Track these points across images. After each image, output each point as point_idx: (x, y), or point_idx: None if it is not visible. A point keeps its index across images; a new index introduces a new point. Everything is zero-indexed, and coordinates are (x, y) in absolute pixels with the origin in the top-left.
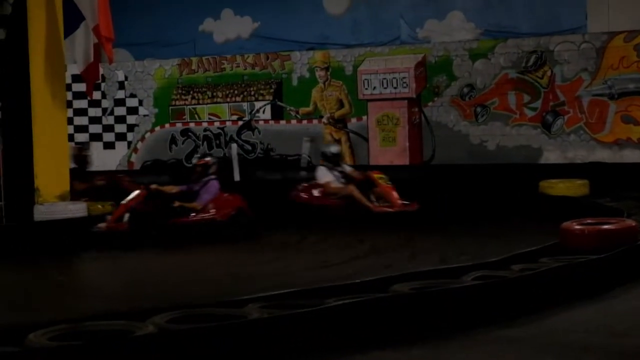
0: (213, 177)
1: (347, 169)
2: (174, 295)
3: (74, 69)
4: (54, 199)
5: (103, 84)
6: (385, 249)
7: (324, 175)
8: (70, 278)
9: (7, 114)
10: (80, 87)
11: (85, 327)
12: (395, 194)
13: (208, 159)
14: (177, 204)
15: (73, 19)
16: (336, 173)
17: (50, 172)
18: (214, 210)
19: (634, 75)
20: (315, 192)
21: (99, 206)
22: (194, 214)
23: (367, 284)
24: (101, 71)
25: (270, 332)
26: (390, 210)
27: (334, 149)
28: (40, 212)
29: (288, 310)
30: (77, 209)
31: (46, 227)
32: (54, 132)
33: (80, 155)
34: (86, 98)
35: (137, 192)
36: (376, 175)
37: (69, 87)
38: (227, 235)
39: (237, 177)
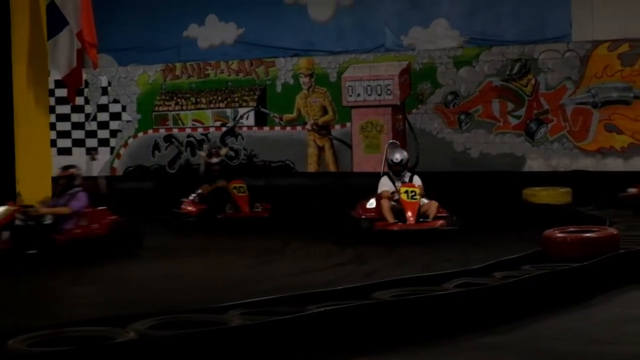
0: (79, 189)
1: None
2: (156, 302)
3: (57, 74)
4: (36, 203)
5: (86, 90)
6: (368, 256)
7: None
8: (51, 284)
9: None
10: (63, 92)
11: (66, 333)
12: (245, 203)
13: (72, 170)
14: (42, 210)
15: (55, 23)
16: None
17: (33, 177)
18: (95, 225)
19: (618, 84)
20: None
21: None
22: (71, 227)
23: (348, 291)
24: (84, 77)
25: (250, 338)
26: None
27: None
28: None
29: (269, 317)
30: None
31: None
32: (36, 138)
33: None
34: (69, 103)
35: (5, 208)
36: (233, 185)
37: (51, 93)
38: (111, 249)
39: None
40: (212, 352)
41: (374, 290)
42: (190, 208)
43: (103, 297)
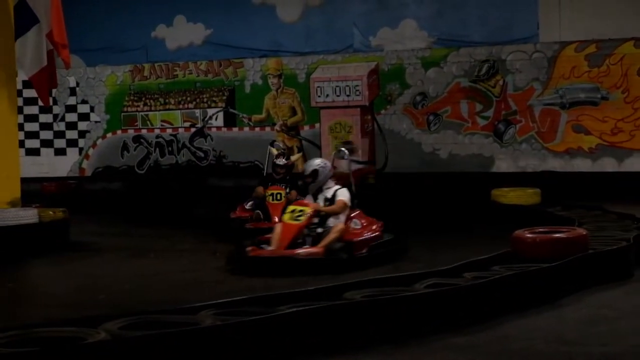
0: None
1: None
2: (128, 302)
3: (24, 74)
4: (4, 205)
5: (54, 90)
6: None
7: None
8: (20, 285)
9: None
10: (32, 93)
11: (36, 334)
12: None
13: None
14: None
15: (23, 22)
16: None
17: (1, 177)
18: None
19: (585, 85)
20: None
21: (50, 212)
22: None
23: (319, 291)
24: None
25: (222, 339)
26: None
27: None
28: None
29: (240, 317)
30: (28, 215)
31: None
32: (4, 138)
33: None
34: (37, 104)
35: None
36: (270, 191)
37: (19, 93)
38: None
39: None
40: (183, 352)
41: (345, 291)
42: (240, 214)
43: (74, 297)
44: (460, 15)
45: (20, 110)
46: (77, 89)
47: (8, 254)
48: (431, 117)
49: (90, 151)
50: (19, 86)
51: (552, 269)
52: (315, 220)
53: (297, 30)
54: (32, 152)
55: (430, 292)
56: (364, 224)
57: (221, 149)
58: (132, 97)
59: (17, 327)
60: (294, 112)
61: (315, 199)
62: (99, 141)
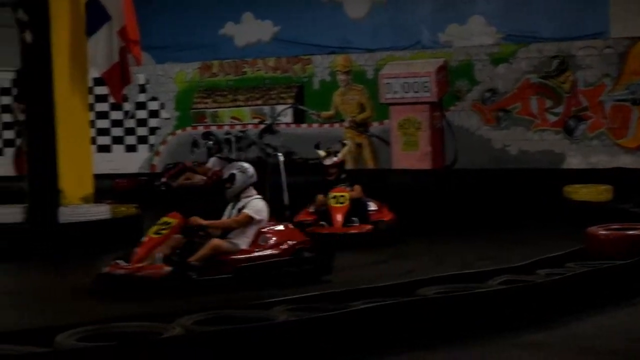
0: None
1: None
2: (205, 298)
3: (95, 71)
4: (78, 201)
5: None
6: (408, 254)
7: None
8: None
9: (31, 116)
10: (103, 90)
11: (113, 329)
12: (340, 215)
13: None
14: None
15: (95, 20)
16: None
17: (74, 174)
18: None
19: None
20: None
21: (123, 208)
22: None
23: (393, 287)
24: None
25: (295, 334)
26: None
27: None
28: (65, 214)
29: (314, 313)
30: (101, 211)
31: (71, 229)
32: (77, 134)
33: None
34: (107, 101)
35: None
36: (332, 194)
37: (90, 90)
38: None
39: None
40: (257, 347)
41: (418, 287)
42: (304, 217)
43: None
44: (529, 10)
45: (90, 107)
46: (147, 86)
47: (81, 249)
48: (500, 114)
49: (161, 148)
50: (90, 83)
51: (627, 266)
52: (201, 233)
53: (365, 27)
54: (103, 149)
55: (505, 288)
56: (275, 241)
57: (290, 145)
58: (201, 94)
59: (94, 322)
60: (362, 108)
61: (233, 207)
62: (169, 138)
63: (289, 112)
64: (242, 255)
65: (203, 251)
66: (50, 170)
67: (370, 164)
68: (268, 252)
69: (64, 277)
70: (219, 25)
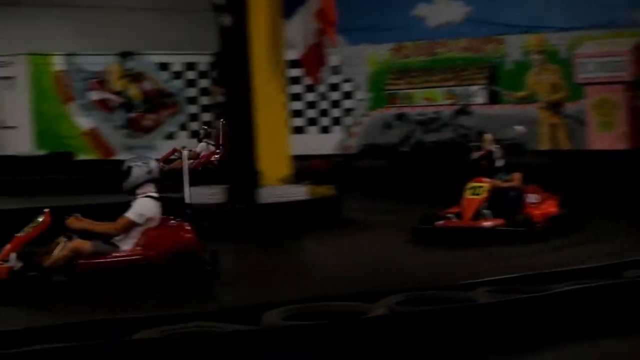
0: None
1: None
2: (401, 279)
3: (288, 54)
4: (276, 182)
5: None
6: (605, 236)
7: None
8: (296, 259)
9: (230, 99)
10: (296, 72)
11: (318, 308)
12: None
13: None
14: None
15: (292, 2)
16: None
17: (272, 155)
18: None
19: None
20: None
21: (320, 189)
22: None
23: (595, 270)
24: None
25: (498, 316)
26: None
27: None
28: (265, 195)
29: (515, 295)
30: (299, 192)
31: (272, 210)
32: (274, 117)
33: None
34: (300, 83)
35: None
36: (471, 185)
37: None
38: None
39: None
40: (456, 329)
41: (623, 269)
42: (452, 210)
43: (348, 272)
44: None
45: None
46: (341, 67)
47: (280, 229)
48: None
49: (355, 129)
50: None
51: None
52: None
53: (559, 5)
54: (298, 130)
55: None
56: (145, 243)
57: (483, 126)
58: (394, 75)
59: (300, 301)
60: (555, 88)
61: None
62: (363, 119)
63: (483, 92)
64: (93, 259)
65: (62, 252)
66: (250, 151)
67: (564, 145)
68: (124, 255)
69: (267, 256)
70: (411, 7)
